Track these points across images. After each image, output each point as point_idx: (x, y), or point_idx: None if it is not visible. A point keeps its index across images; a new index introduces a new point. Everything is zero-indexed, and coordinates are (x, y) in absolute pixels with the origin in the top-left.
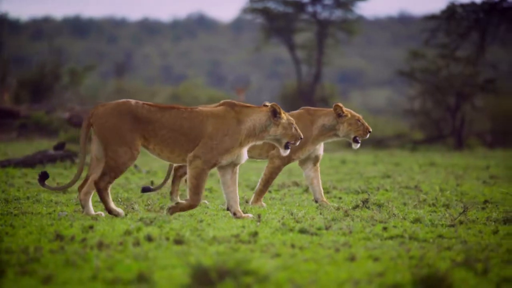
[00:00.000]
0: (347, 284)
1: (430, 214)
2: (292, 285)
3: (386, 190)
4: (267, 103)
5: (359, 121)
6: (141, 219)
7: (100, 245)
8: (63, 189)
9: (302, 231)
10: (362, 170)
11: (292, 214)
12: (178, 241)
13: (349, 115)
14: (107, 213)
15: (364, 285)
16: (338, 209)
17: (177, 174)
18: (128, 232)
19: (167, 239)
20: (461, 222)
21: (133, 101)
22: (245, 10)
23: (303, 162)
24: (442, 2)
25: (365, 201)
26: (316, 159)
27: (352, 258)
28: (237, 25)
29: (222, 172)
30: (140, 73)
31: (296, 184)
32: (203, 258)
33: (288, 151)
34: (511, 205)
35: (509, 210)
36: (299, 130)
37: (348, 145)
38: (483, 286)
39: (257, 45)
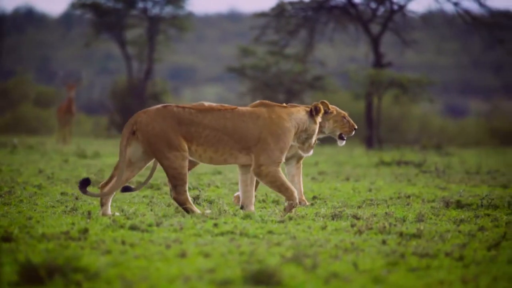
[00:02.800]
0: (178, 280)
1: (260, 210)
2: (122, 281)
3: (217, 187)
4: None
5: (344, 118)
6: None
7: None
8: (105, 195)
9: (133, 227)
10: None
11: (123, 210)
12: (6, 239)
13: (335, 112)
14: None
15: (194, 281)
16: (169, 205)
17: None
18: None
19: None
20: (290, 218)
21: (173, 104)
22: (74, 5)
23: (287, 159)
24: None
25: (196, 198)
26: (300, 156)
27: (183, 255)
28: (66, 20)
29: (243, 170)
30: None
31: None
32: (32, 255)
33: (344, 142)
34: (339, 201)
35: (337, 206)
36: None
37: (334, 141)
38: (312, 281)
39: (87, 40)
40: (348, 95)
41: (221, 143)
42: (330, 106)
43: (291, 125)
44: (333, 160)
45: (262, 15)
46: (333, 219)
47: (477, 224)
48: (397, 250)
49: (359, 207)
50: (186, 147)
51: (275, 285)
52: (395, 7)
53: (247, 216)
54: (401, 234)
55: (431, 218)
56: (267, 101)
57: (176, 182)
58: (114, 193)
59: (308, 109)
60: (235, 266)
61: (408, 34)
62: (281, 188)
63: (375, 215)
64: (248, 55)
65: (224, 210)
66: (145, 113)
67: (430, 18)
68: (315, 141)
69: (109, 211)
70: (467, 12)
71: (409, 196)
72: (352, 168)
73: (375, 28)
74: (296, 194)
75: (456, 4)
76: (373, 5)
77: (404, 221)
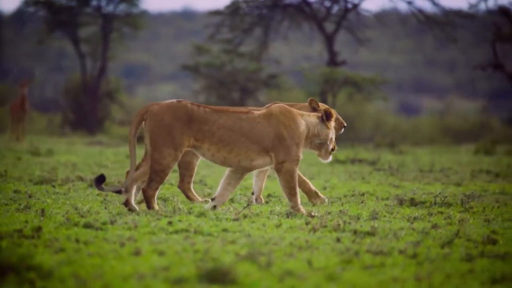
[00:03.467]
0: (132, 278)
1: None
2: (76, 280)
3: (171, 185)
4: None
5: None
6: None
7: None
8: (120, 189)
9: (87, 225)
10: None
11: (76, 209)
12: None
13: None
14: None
15: (149, 279)
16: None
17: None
18: None
19: None
20: (245, 216)
21: (188, 101)
22: (27, 2)
23: None
24: None
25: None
26: None
27: (137, 253)
28: (19, 17)
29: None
30: None
31: (81, 178)
32: None
33: (330, 158)
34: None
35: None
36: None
37: None
38: (266, 279)
39: (40, 38)
40: (303, 93)
41: (237, 144)
42: (319, 104)
43: (303, 124)
44: None
45: (216, 13)
46: (287, 217)
47: (430, 222)
48: (351, 248)
49: (313, 205)
50: (185, 148)
51: (229, 283)
52: (349, 5)
53: (201, 214)
54: (355, 232)
55: (385, 216)
56: (281, 103)
57: (155, 177)
58: (139, 181)
59: (320, 115)
60: (190, 264)
61: (362, 33)
62: (292, 191)
63: (329, 213)
64: (202, 53)
65: (179, 208)
66: (158, 104)
67: (384, 17)
68: (333, 147)
69: (133, 198)
70: (420, 11)
71: (363, 194)
72: (306, 166)
73: (329, 26)
74: (300, 204)
75: (409, 3)
76: (327, 3)
77: (358, 219)
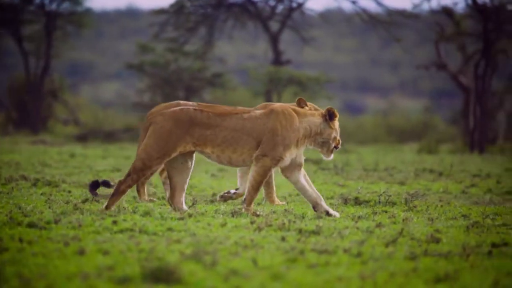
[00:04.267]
0: (76, 278)
1: (160, 207)
2: (20, 279)
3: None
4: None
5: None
6: None
7: None
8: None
9: (31, 225)
10: (92, 163)
11: (20, 208)
12: None
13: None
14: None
15: (93, 278)
16: (67, 202)
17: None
18: None
19: None
20: (190, 215)
21: (191, 107)
22: None
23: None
24: None
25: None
26: None
27: (81, 252)
28: None
29: (291, 176)
30: None
31: (25, 178)
32: None
33: (332, 156)
34: (238, 199)
35: (236, 203)
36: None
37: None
38: (211, 278)
39: None
40: (248, 92)
41: (239, 143)
42: (308, 103)
43: (301, 126)
44: None
45: (161, 12)
46: (232, 216)
47: (374, 221)
48: (296, 246)
49: (258, 204)
50: (174, 155)
51: (174, 282)
52: (294, 5)
53: (146, 213)
54: (300, 231)
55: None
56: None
57: (134, 174)
58: (147, 181)
59: (323, 114)
60: (134, 264)
61: (307, 32)
62: (255, 185)
63: (274, 212)
64: (147, 52)
65: (124, 207)
66: (162, 114)
67: (328, 16)
68: (335, 146)
69: (147, 197)
70: (364, 10)
71: None
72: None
73: (274, 25)
74: (252, 202)
75: (354, 2)
76: (272, 2)
77: (303, 218)
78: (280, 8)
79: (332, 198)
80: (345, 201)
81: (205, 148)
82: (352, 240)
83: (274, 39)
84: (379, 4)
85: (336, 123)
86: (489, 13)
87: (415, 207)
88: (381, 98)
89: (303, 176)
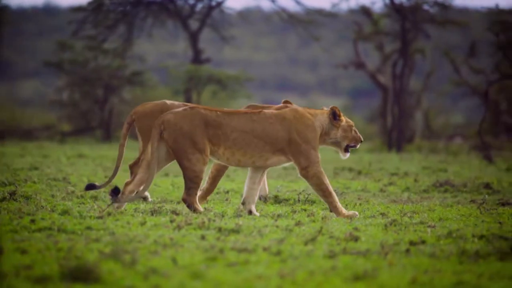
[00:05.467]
0: None
1: (79, 206)
2: None
3: (34, 182)
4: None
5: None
6: None
7: None
8: (136, 198)
9: None
10: (9, 162)
11: None
12: None
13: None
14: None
15: (11, 278)
16: None
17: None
18: None
19: None
20: (109, 214)
21: (201, 106)
22: None
23: None
24: None
25: (12, 193)
26: None
27: None
28: None
29: (255, 168)
30: None
31: None
32: None
33: (348, 155)
34: (158, 196)
35: (156, 202)
36: (358, 133)
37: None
38: (130, 277)
39: None
40: (167, 91)
41: (250, 146)
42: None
43: (316, 125)
44: None
45: (79, 9)
46: (152, 214)
47: (294, 219)
48: (216, 245)
49: (178, 202)
50: (209, 151)
51: (93, 281)
52: (213, 3)
53: (65, 212)
54: (220, 230)
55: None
56: (292, 105)
57: (191, 184)
58: (136, 190)
59: (329, 114)
60: (53, 263)
61: (226, 31)
62: (325, 192)
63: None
64: (66, 49)
65: (42, 206)
66: (173, 113)
67: (247, 15)
68: (350, 145)
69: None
70: (283, 9)
71: (227, 192)
72: (171, 164)
73: (193, 24)
74: (338, 203)
75: (273, 1)
76: (191, 1)
77: (223, 216)
78: (199, 6)
79: None
80: (265, 200)
81: (218, 149)
82: (271, 239)
83: (193, 38)
84: (298, 3)
85: (342, 123)
86: (406, 13)
87: None
88: (300, 97)
89: (262, 174)
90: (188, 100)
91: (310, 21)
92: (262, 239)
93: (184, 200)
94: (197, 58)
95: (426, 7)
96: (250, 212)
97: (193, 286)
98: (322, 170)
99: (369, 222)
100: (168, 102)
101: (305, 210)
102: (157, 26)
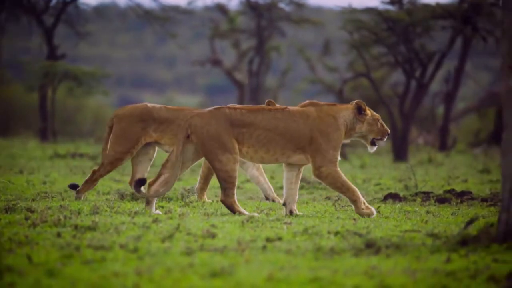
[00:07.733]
0: None
1: None
2: None
3: None
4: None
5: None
6: None
7: None
8: (160, 196)
9: None
10: None
11: None
12: None
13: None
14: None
15: None
16: None
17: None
18: None
19: None
20: None
21: (225, 106)
22: None
23: (242, 163)
24: None
25: None
26: None
27: None
28: None
29: (289, 168)
30: None
31: None
32: None
33: (375, 148)
34: (12, 194)
35: (10, 199)
36: (385, 126)
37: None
38: None
39: None
40: (22, 87)
41: (272, 144)
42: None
43: (340, 123)
44: (7, 153)
45: None
46: (6, 212)
47: (151, 216)
48: (72, 242)
49: (33, 200)
50: (238, 149)
51: None
52: None
53: None
54: (76, 227)
55: (106, 211)
56: (315, 101)
57: (226, 185)
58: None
59: (353, 108)
60: None
61: (82, 27)
62: (342, 188)
63: (50, 208)
64: None
65: None
66: (199, 116)
67: (103, 11)
68: (377, 138)
69: (154, 210)
70: (139, 5)
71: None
72: (26, 161)
73: (48, 19)
74: (358, 192)
75: None
76: None
77: (79, 213)
78: (54, 2)
79: (108, 193)
80: (122, 197)
81: (242, 148)
82: (128, 236)
83: (48, 33)
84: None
85: (368, 116)
86: (262, 11)
87: (191, 202)
88: (157, 94)
89: (298, 172)
90: (43, 97)
91: (166, 18)
92: (119, 236)
93: (223, 202)
94: (52, 54)
95: (281, 5)
96: (291, 212)
97: (49, 284)
98: (337, 169)
99: (226, 219)
100: (149, 105)
101: (162, 207)
102: (11, 22)
